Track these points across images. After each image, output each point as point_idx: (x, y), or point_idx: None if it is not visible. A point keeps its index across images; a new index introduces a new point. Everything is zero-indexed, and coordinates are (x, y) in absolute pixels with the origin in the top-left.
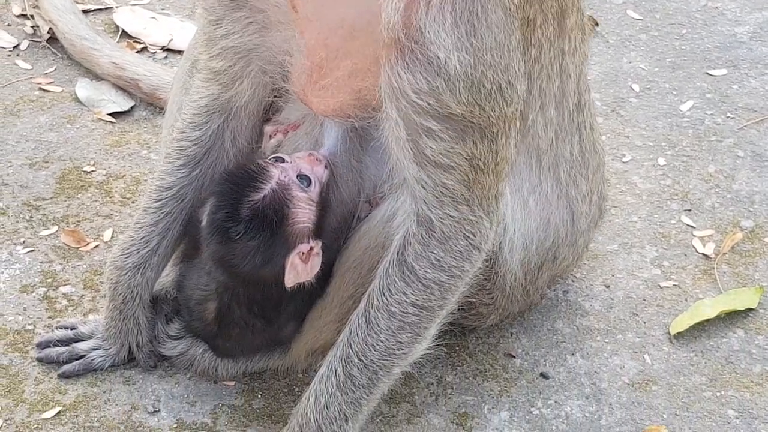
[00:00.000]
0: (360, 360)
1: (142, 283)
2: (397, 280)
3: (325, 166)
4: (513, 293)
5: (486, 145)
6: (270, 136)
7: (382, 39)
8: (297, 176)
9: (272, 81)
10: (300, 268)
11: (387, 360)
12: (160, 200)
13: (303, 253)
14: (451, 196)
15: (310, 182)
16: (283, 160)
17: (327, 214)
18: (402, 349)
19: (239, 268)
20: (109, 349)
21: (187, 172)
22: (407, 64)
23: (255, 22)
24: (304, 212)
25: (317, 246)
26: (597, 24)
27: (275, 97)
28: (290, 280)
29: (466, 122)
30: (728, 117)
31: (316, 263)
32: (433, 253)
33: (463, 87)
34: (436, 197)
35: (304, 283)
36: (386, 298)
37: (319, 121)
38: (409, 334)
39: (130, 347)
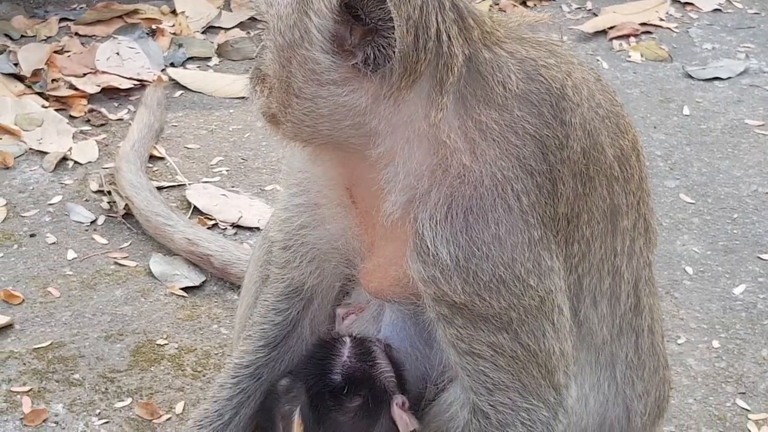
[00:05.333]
0: None
1: None
2: None
3: (378, 339)
4: None
5: (508, 336)
6: (342, 318)
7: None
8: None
9: (335, 266)
10: (406, 417)
11: None
12: (237, 377)
13: (399, 403)
14: (494, 383)
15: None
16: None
17: (401, 372)
18: None
19: None
20: None
21: (267, 352)
22: (411, 253)
23: (311, 211)
24: (385, 363)
25: (406, 401)
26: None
27: (346, 281)
28: (405, 430)
29: (470, 311)
30: None
31: (413, 417)
32: None
33: (457, 278)
34: (481, 384)
35: None
36: None
37: (381, 305)
38: None
39: None
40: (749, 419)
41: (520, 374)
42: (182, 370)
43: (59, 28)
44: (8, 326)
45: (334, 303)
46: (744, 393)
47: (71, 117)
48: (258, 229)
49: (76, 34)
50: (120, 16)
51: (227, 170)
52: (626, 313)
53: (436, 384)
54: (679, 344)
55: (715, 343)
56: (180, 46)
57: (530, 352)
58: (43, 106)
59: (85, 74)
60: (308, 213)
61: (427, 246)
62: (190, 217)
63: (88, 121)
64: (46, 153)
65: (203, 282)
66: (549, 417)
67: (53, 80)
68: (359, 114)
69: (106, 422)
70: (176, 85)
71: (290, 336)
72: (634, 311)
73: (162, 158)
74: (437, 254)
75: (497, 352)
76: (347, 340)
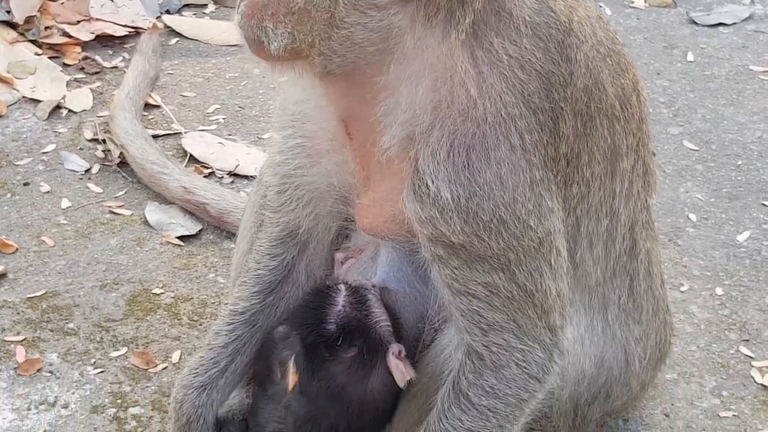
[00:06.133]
0: None
1: (206, 404)
2: (453, 407)
3: (373, 285)
4: (560, 423)
5: (504, 277)
6: (341, 262)
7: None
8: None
9: (331, 205)
10: (402, 366)
11: None
12: (232, 324)
13: (396, 352)
14: (488, 323)
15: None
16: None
17: (397, 319)
18: None
19: (349, 389)
20: None
21: (262, 298)
22: (408, 193)
23: (306, 150)
24: (380, 311)
25: (402, 349)
26: (654, 154)
27: (343, 222)
28: (401, 380)
29: (467, 252)
30: None
31: (409, 365)
32: (486, 381)
33: (457, 218)
34: (475, 325)
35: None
36: (442, 424)
37: (377, 245)
38: None
39: None
40: (753, 366)
41: (515, 315)
42: (178, 320)
43: None
44: (1, 275)
45: (331, 247)
46: (747, 340)
47: (65, 65)
48: (255, 177)
49: None
50: None
51: (224, 118)
52: (621, 255)
53: (432, 325)
54: (682, 292)
55: (719, 291)
56: None
57: (526, 292)
58: (37, 54)
59: (78, 21)
60: (304, 152)
61: (427, 185)
62: (186, 166)
63: (82, 69)
64: (39, 101)
65: (199, 231)
66: (544, 358)
67: (46, 28)
68: (392, 38)
69: (102, 371)
70: (172, 32)
71: (285, 281)
72: (629, 254)
73: (158, 106)
74: (438, 194)
75: (492, 292)
76: (342, 288)
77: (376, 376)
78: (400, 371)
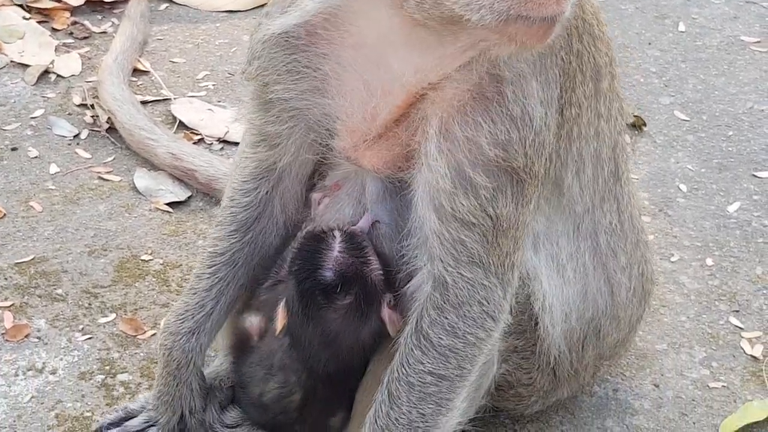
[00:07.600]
0: None
1: (196, 348)
2: (414, 349)
3: (360, 229)
4: (559, 371)
5: (513, 206)
6: (318, 202)
7: (457, 90)
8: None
9: (316, 140)
10: (394, 317)
11: None
12: (214, 265)
13: (389, 302)
14: (468, 254)
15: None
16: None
17: (389, 268)
18: (426, 422)
19: (341, 336)
20: (160, 418)
21: (239, 237)
22: (487, 112)
23: (310, 81)
24: (375, 259)
25: (392, 298)
26: (645, 124)
27: (319, 162)
28: (393, 330)
29: (514, 178)
30: None
31: (398, 315)
32: (446, 318)
33: (530, 141)
34: (452, 254)
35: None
36: (405, 369)
37: (360, 180)
38: (431, 406)
39: (182, 414)
40: (742, 337)
41: (495, 249)
42: (167, 286)
43: None
44: None
45: (306, 186)
46: (737, 311)
47: (54, 29)
48: None
49: None
50: None
51: (213, 84)
52: (608, 178)
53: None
54: (672, 262)
55: (709, 261)
56: None
57: (518, 223)
58: (25, 18)
59: None
60: (306, 77)
61: (521, 106)
62: (175, 132)
63: (71, 33)
64: (27, 66)
65: (188, 197)
66: (501, 297)
67: None
68: None
69: (90, 338)
70: None
71: (261, 217)
72: (614, 176)
73: (147, 72)
74: (528, 114)
75: (495, 224)
76: (337, 234)
77: (369, 325)
78: (393, 322)
